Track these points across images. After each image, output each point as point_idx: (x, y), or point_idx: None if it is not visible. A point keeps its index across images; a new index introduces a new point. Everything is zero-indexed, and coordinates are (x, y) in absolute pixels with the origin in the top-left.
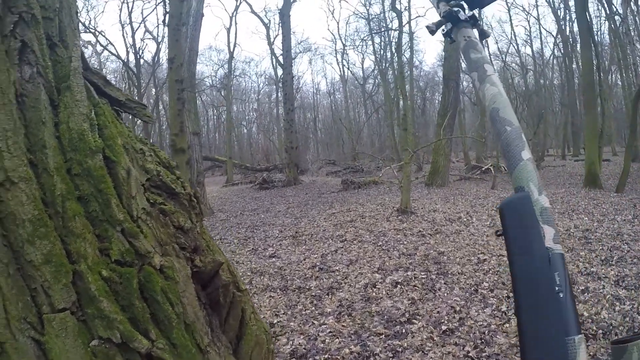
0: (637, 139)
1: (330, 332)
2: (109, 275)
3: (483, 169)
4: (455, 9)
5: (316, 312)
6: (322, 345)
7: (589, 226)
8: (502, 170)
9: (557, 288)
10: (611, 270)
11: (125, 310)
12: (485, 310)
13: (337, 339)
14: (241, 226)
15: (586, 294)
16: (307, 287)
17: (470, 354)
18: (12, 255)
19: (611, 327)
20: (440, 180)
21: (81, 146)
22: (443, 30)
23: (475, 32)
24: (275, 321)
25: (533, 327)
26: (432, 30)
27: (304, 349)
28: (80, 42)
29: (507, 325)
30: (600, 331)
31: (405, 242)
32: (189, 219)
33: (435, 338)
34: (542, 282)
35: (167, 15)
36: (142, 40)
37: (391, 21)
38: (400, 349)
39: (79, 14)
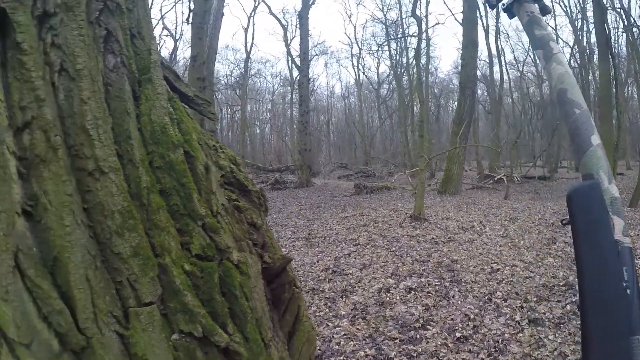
0: None
1: (344, 334)
2: (191, 269)
3: (496, 178)
4: None
5: (330, 314)
6: (337, 347)
7: None
8: (514, 180)
9: (624, 284)
10: None
11: (205, 304)
12: (499, 319)
13: (351, 342)
14: None
15: None
16: (321, 289)
17: None
18: (98, 248)
19: None
20: (453, 188)
21: (163, 139)
22: (503, 4)
23: (537, 7)
24: None
25: (597, 324)
26: (492, 5)
27: (319, 349)
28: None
29: (521, 334)
30: None
31: (418, 249)
32: (259, 216)
33: (449, 344)
34: (609, 276)
35: (191, 14)
36: (159, 37)
37: (408, 27)
38: (414, 354)
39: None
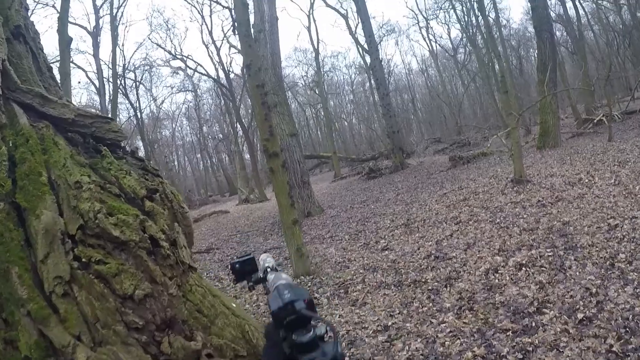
0: None
1: (450, 331)
2: None
3: (595, 120)
4: None
5: (434, 308)
6: (441, 349)
7: None
8: (615, 119)
9: None
10: None
11: None
12: (625, 289)
13: (458, 340)
14: (352, 220)
15: None
16: (423, 279)
17: (613, 349)
18: None
19: None
20: (552, 141)
21: None
22: None
23: None
24: (389, 323)
25: None
26: None
27: (422, 354)
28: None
29: None
30: None
31: (524, 216)
32: (146, 281)
33: (570, 330)
34: None
35: (235, 24)
36: (227, 55)
37: None
38: (530, 348)
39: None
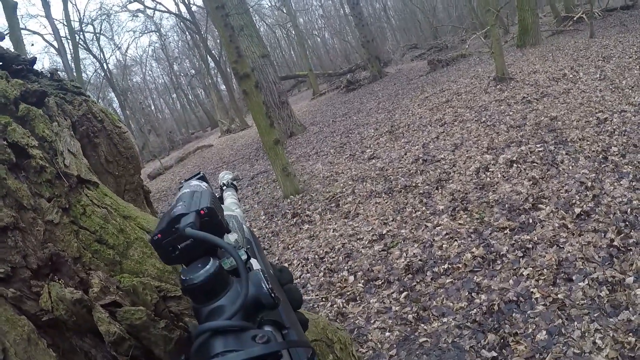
0: None
1: (446, 234)
2: None
3: (575, 18)
4: None
5: (427, 212)
6: (439, 252)
7: None
8: (596, 16)
9: None
10: None
11: None
12: (621, 182)
13: (455, 242)
14: (335, 134)
15: None
16: (414, 184)
17: (615, 243)
18: None
19: None
20: (532, 38)
21: None
22: None
23: None
24: (384, 231)
25: None
26: None
27: (420, 260)
28: None
29: None
30: None
31: (510, 113)
32: (6, 208)
33: (569, 225)
34: None
35: None
36: None
37: None
38: (530, 245)
39: None
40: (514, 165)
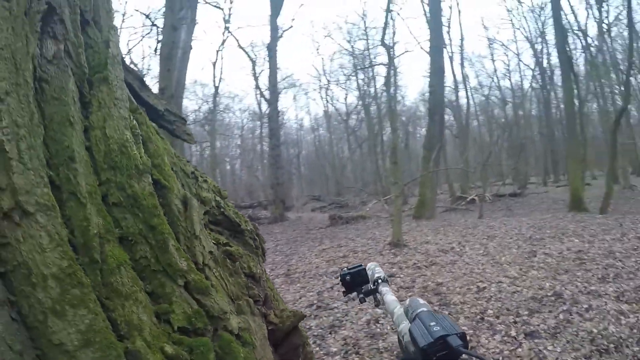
0: (617, 162)
1: None
2: (175, 351)
3: (468, 199)
4: None
5: (321, 352)
6: None
7: (580, 247)
8: (486, 200)
9: None
10: (610, 287)
11: None
12: (495, 337)
13: None
14: None
15: (590, 311)
16: (307, 325)
17: None
18: (27, 336)
19: (621, 340)
20: (428, 212)
21: (123, 163)
22: None
23: None
24: None
25: None
26: None
27: None
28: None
29: (520, 349)
30: (612, 345)
31: (401, 275)
32: (258, 263)
33: None
34: None
35: (159, 44)
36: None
37: (375, 57)
38: None
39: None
40: None
